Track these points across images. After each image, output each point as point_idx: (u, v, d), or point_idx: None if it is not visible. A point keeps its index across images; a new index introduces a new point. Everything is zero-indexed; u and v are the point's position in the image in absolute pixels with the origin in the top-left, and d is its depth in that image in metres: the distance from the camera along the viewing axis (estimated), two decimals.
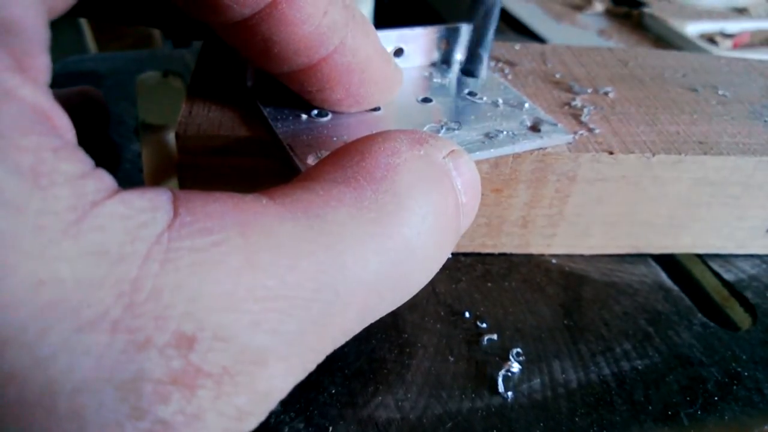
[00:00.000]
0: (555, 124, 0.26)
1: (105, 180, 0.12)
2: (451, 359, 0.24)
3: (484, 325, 0.26)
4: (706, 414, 0.23)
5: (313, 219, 0.14)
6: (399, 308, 0.26)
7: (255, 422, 0.13)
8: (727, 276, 0.30)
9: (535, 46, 0.35)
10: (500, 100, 0.27)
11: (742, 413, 0.24)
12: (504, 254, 0.30)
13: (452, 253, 0.29)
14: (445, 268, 0.29)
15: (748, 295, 0.29)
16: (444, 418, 0.22)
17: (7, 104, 0.11)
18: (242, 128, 0.24)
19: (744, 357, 0.26)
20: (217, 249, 0.12)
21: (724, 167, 0.27)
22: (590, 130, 0.27)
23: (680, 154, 0.27)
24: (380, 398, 0.23)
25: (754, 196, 0.29)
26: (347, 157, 0.17)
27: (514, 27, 0.63)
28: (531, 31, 0.61)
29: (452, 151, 0.18)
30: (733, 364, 0.26)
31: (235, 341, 0.12)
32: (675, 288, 0.29)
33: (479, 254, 0.29)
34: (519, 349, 0.25)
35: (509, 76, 0.31)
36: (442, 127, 0.25)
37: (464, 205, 0.18)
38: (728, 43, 0.59)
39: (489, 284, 0.28)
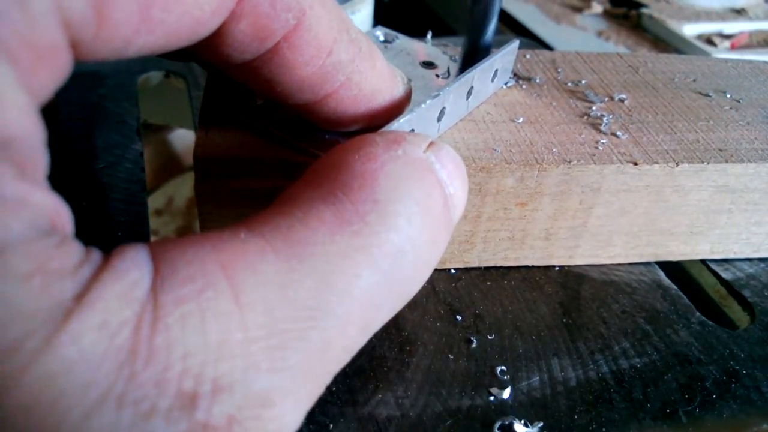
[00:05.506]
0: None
1: (94, 257, 0.12)
2: (451, 357, 0.25)
3: (484, 324, 0.26)
4: (705, 412, 0.24)
5: (295, 245, 0.14)
6: None
7: None
8: (725, 275, 0.30)
9: (545, 53, 0.35)
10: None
11: (741, 411, 0.24)
12: None
13: (471, 268, 0.29)
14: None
15: (746, 293, 0.29)
16: (444, 416, 0.22)
17: (16, 215, 0.11)
18: (261, 149, 0.23)
19: (742, 355, 0.26)
20: (203, 296, 0.12)
21: (745, 174, 0.27)
22: (613, 137, 0.27)
23: (703, 162, 0.27)
24: (380, 396, 0.23)
25: None
26: (322, 172, 0.16)
27: (512, 28, 0.63)
28: (530, 32, 0.61)
29: (431, 143, 0.18)
30: (731, 363, 0.26)
31: (236, 388, 0.12)
32: (673, 287, 0.29)
33: None
34: (504, 367, 0.24)
35: (523, 86, 0.31)
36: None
37: (452, 196, 0.18)
38: (726, 44, 0.59)
39: (488, 283, 0.28)
